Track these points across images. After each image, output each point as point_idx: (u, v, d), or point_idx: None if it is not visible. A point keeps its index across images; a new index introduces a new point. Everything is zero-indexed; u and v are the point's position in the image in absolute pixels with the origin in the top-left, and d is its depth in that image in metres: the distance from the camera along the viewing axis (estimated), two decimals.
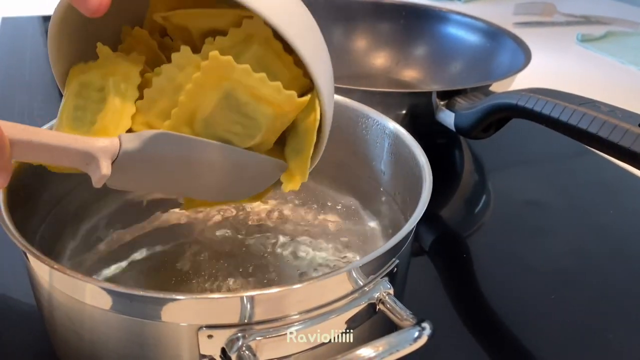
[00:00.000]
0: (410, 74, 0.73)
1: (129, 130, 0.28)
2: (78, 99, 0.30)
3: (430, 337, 0.25)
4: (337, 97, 0.44)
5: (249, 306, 0.25)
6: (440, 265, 0.46)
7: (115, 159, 0.26)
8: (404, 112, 0.52)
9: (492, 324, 0.40)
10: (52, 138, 0.25)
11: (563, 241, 0.49)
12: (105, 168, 0.26)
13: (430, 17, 0.74)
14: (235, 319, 0.25)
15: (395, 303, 0.27)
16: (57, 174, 0.30)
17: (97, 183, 0.26)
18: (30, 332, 0.36)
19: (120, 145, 0.26)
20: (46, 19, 0.99)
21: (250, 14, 0.28)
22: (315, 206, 0.42)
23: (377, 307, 0.28)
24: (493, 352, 0.38)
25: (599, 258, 0.47)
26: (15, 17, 0.98)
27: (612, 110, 0.37)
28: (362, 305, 0.28)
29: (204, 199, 0.32)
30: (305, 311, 0.26)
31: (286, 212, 0.41)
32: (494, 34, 0.68)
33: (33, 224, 0.35)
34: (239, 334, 0.25)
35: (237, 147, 0.29)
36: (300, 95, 0.29)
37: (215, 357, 0.26)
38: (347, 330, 0.28)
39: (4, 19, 0.96)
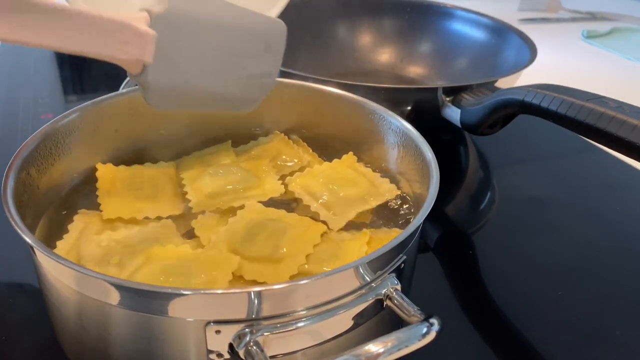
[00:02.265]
0: (415, 70, 0.73)
1: None
2: None
3: (439, 333, 0.25)
4: (343, 93, 0.44)
5: (256, 301, 0.25)
6: (446, 262, 0.45)
7: (150, 24, 0.25)
8: (409, 108, 0.52)
9: (497, 320, 0.40)
10: (83, 7, 0.22)
11: (569, 238, 0.48)
12: (149, 29, 0.24)
13: (435, 13, 0.74)
14: (242, 315, 0.25)
15: (403, 299, 0.27)
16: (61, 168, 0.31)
17: (148, 54, 0.24)
18: (37, 327, 0.36)
19: (149, 11, 0.25)
20: None
21: None
22: None
23: (385, 303, 0.28)
24: (499, 348, 0.38)
25: (605, 254, 0.47)
26: None
27: (620, 105, 0.37)
28: (370, 301, 0.27)
29: (228, 104, 0.31)
30: (313, 307, 0.26)
31: None
32: (499, 30, 0.68)
33: (36, 217, 0.35)
34: (247, 330, 0.25)
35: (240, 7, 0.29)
36: None
37: (222, 353, 0.26)
38: (354, 326, 0.28)
39: None
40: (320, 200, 0.38)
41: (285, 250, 0.32)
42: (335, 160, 0.42)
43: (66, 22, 0.22)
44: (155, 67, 0.25)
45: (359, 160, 0.43)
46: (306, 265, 0.32)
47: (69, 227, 0.34)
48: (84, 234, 0.34)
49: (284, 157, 0.43)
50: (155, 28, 0.25)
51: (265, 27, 0.31)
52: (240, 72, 0.30)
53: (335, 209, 0.37)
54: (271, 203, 0.38)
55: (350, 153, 0.42)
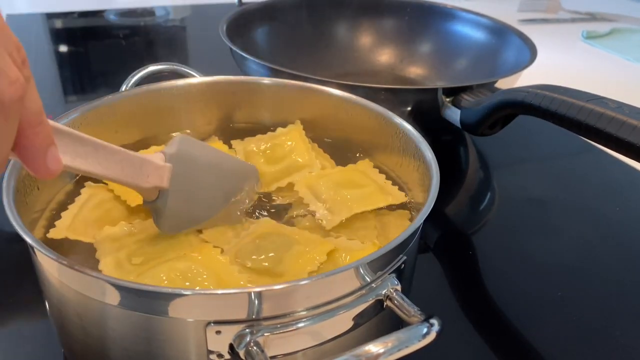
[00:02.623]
0: (415, 71, 0.73)
1: None
2: None
3: (439, 334, 0.25)
4: (343, 94, 0.44)
5: (256, 302, 0.25)
6: (446, 262, 0.45)
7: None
8: (409, 109, 0.52)
9: (497, 320, 0.40)
10: (117, 147, 0.29)
11: (569, 238, 0.49)
12: (166, 164, 0.31)
13: (435, 14, 0.74)
14: (243, 315, 0.25)
15: (403, 299, 0.27)
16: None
17: (165, 181, 0.31)
18: (38, 328, 0.36)
19: (164, 153, 0.32)
20: (50, 16, 0.99)
21: None
22: None
23: (385, 304, 0.28)
24: (499, 348, 0.38)
25: (605, 255, 0.47)
26: (20, 15, 0.98)
27: (620, 106, 0.37)
28: (370, 301, 0.27)
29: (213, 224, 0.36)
30: (313, 307, 0.26)
31: None
32: (499, 30, 0.68)
33: (36, 216, 0.35)
34: (247, 330, 0.25)
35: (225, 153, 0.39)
36: None
37: (223, 353, 0.26)
38: (355, 327, 0.28)
39: (8, 16, 0.96)
40: (320, 199, 0.38)
41: (286, 265, 0.32)
42: (350, 165, 0.41)
43: (110, 157, 0.29)
44: (170, 193, 0.32)
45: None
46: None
47: (76, 198, 0.37)
48: (86, 205, 0.36)
49: (294, 156, 0.43)
50: (173, 165, 0.32)
51: (243, 169, 0.39)
52: (226, 202, 0.37)
53: (333, 208, 0.37)
54: (274, 205, 0.38)
55: (367, 160, 0.42)
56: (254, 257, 0.33)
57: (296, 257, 0.33)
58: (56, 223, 0.34)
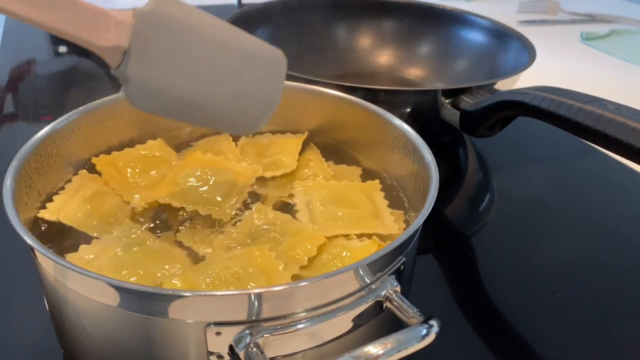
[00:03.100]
0: (414, 72, 0.73)
1: None
2: None
3: (438, 335, 0.25)
4: (342, 95, 0.44)
5: (256, 303, 0.25)
6: (445, 264, 0.45)
7: (134, 23, 0.25)
8: (408, 110, 0.52)
9: (496, 321, 0.40)
10: None
11: (568, 239, 0.49)
12: (129, 17, 0.25)
13: (434, 15, 0.74)
14: (243, 316, 0.25)
15: (402, 301, 0.27)
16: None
17: (124, 39, 0.25)
18: (37, 329, 0.36)
19: (134, 10, 0.26)
20: None
21: None
22: None
23: (384, 305, 0.28)
24: (498, 350, 0.38)
25: (604, 256, 0.47)
26: None
27: (619, 108, 0.37)
28: (369, 302, 0.28)
29: (212, 124, 0.31)
30: (313, 308, 0.26)
31: None
32: (498, 32, 0.68)
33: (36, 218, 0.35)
34: (247, 331, 0.25)
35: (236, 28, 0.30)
36: None
37: (223, 354, 0.26)
38: (354, 328, 0.28)
39: (7, 18, 0.96)
40: (310, 210, 0.37)
41: (280, 256, 0.33)
42: (358, 182, 0.41)
43: (56, 2, 0.24)
44: (133, 59, 0.26)
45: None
46: (312, 266, 0.32)
47: (66, 185, 0.37)
48: (78, 194, 0.36)
49: (306, 170, 0.42)
50: (138, 23, 0.26)
51: (265, 54, 0.31)
52: (234, 93, 0.30)
53: (320, 223, 0.36)
54: (276, 205, 0.38)
55: (377, 181, 0.40)
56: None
57: (286, 251, 0.33)
58: (47, 205, 0.35)
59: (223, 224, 0.36)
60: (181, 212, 0.36)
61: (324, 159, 0.43)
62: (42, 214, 0.34)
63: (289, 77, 0.48)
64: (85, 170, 0.39)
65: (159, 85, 0.27)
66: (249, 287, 0.30)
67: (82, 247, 0.32)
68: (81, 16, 0.24)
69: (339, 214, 0.37)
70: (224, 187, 0.38)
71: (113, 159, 0.40)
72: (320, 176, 0.41)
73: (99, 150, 0.41)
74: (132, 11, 0.26)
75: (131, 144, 0.42)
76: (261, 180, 0.41)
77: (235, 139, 0.45)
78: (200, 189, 0.37)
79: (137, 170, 0.39)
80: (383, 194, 0.39)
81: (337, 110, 0.44)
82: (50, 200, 0.36)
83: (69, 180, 0.37)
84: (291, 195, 0.39)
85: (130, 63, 0.26)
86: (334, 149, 0.45)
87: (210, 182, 0.38)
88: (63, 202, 0.35)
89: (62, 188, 0.37)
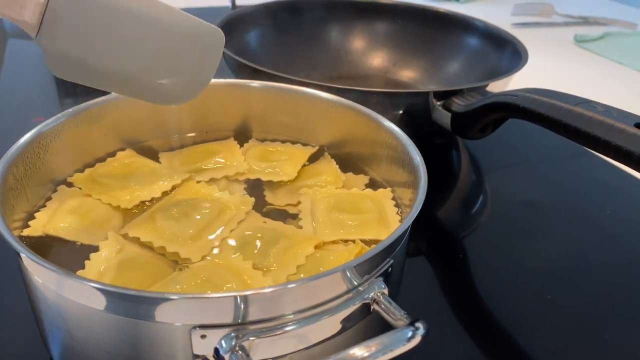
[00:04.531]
0: (408, 75, 0.73)
1: None
2: None
3: (424, 337, 0.25)
4: (335, 98, 0.44)
5: (242, 306, 0.25)
6: (437, 266, 0.45)
7: None
8: (400, 112, 0.52)
9: (488, 324, 0.40)
10: None
11: (559, 241, 0.49)
12: (38, 3, 0.26)
13: (427, 18, 0.74)
14: (228, 319, 0.25)
15: (390, 303, 0.27)
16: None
17: (36, 17, 0.26)
18: (23, 332, 0.36)
19: None
20: None
21: None
22: None
23: (372, 307, 0.28)
24: (489, 353, 0.38)
25: (595, 258, 0.47)
26: None
27: (608, 110, 0.37)
28: (357, 305, 0.27)
29: (135, 93, 0.31)
30: (300, 311, 0.26)
31: None
32: (491, 34, 0.68)
33: (23, 220, 0.35)
34: (232, 334, 0.25)
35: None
36: None
37: (208, 357, 0.26)
38: (342, 330, 0.28)
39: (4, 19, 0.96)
40: (313, 216, 0.37)
41: (274, 258, 0.32)
42: (369, 190, 0.40)
43: None
44: (45, 32, 0.27)
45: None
46: (301, 275, 0.32)
47: (47, 203, 0.37)
48: (60, 210, 0.35)
49: (323, 177, 0.42)
50: None
51: (199, 32, 0.31)
52: (158, 67, 0.30)
53: (321, 228, 0.36)
54: (269, 211, 0.38)
55: (388, 189, 0.40)
56: (242, 253, 0.33)
57: (283, 251, 0.33)
58: (30, 223, 0.34)
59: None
60: None
61: (337, 167, 0.43)
62: (27, 231, 0.34)
63: (281, 79, 0.48)
64: (64, 186, 0.38)
65: (72, 55, 0.28)
66: (224, 289, 0.29)
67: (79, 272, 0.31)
68: None
69: (341, 219, 0.36)
70: (200, 223, 0.35)
71: (89, 175, 0.39)
72: (331, 185, 0.41)
73: (89, 150, 0.41)
74: None
75: (112, 154, 0.42)
76: (269, 185, 0.41)
77: (241, 143, 0.45)
78: (175, 224, 0.35)
79: (117, 179, 0.39)
80: (394, 202, 0.39)
81: (328, 113, 0.44)
82: (32, 219, 0.35)
83: (49, 198, 0.37)
84: (299, 202, 0.39)
85: (43, 36, 0.27)
86: (340, 158, 0.44)
87: (188, 217, 0.35)
88: (48, 217, 0.35)
89: (44, 206, 0.36)
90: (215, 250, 0.34)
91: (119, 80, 0.30)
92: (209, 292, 0.29)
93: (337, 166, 0.43)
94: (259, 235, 0.35)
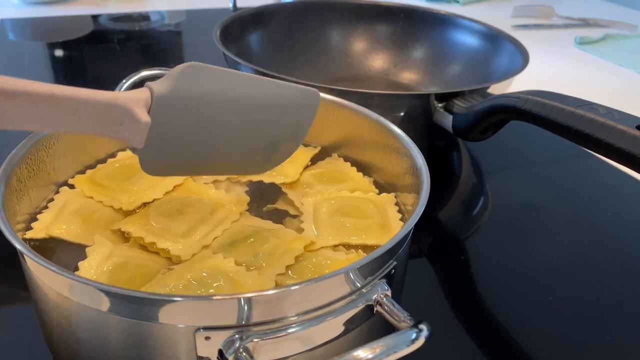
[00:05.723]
0: (408, 76, 0.73)
1: None
2: None
3: (428, 339, 0.25)
4: (337, 100, 0.44)
5: (246, 307, 0.25)
6: (439, 268, 0.46)
7: (150, 107, 0.23)
8: (402, 114, 0.52)
9: (489, 325, 0.40)
10: (69, 90, 0.21)
11: (561, 243, 0.49)
12: (144, 115, 0.23)
13: (428, 20, 0.74)
14: (232, 321, 0.25)
15: (393, 305, 0.27)
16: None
17: (139, 140, 0.24)
18: (27, 334, 0.36)
19: (152, 90, 0.24)
20: (45, 20, 0.99)
21: None
22: None
23: (375, 309, 0.28)
24: (491, 354, 0.38)
25: (596, 260, 0.47)
26: (15, 19, 0.98)
27: (610, 112, 0.37)
28: (360, 306, 0.28)
29: (234, 172, 0.31)
30: (303, 312, 0.26)
31: None
32: (492, 36, 0.68)
33: (26, 222, 0.35)
34: (236, 336, 0.25)
35: (266, 78, 0.28)
36: None
37: (212, 359, 0.26)
38: (345, 332, 0.28)
39: (3, 20, 0.96)
40: (315, 218, 0.37)
41: (264, 257, 0.33)
42: (372, 194, 0.40)
43: (61, 107, 0.21)
44: (148, 149, 0.25)
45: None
46: (290, 273, 0.32)
47: (49, 204, 0.36)
48: (67, 208, 0.35)
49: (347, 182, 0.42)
50: (155, 110, 0.24)
51: (294, 99, 0.29)
52: (253, 144, 0.29)
53: (323, 232, 0.36)
54: (270, 212, 0.38)
55: (392, 194, 0.40)
56: (232, 251, 0.33)
57: (272, 250, 0.33)
58: (33, 225, 0.34)
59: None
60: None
61: (349, 165, 0.43)
62: (30, 234, 0.34)
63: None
64: (66, 187, 0.38)
65: (173, 161, 0.27)
66: (211, 289, 0.29)
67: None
68: (91, 115, 0.22)
69: (344, 223, 0.36)
70: (192, 221, 0.35)
71: (90, 177, 0.40)
72: (338, 188, 0.41)
73: (91, 151, 0.41)
74: (149, 91, 0.24)
75: (113, 155, 0.42)
76: (274, 187, 0.41)
77: None
78: (167, 221, 0.34)
79: (118, 180, 0.39)
80: (397, 207, 0.39)
81: (329, 115, 0.44)
82: (34, 221, 0.35)
83: (51, 200, 0.37)
84: (301, 204, 0.39)
85: (145, 153, 0.25)
86: (327, 150, 0.45)
87: (182, 214, 0.35)
88: (50, 219, 0.35)
89: (46, 207, 0.36)
90: (206, 249, 0.34)
91: (219, 168, 0.29)
92: (213, 294, 0.29)
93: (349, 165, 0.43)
94: (250, 234, 0.35)
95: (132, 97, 0.23)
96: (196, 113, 0.25)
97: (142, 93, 0.24)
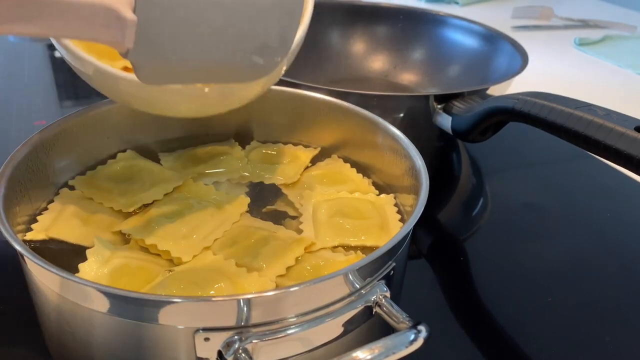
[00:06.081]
0: (408, 78, 0.73)
1: None
2: None
3: (427, 340, 0.25)
4: (336, 101, 0.44)
5: (245, 309, 0.25)
6: (438, 269, 0.46)
7: (135, 6, 0.24)
8: (401, 115, 0.52)
9: (489, 326, 0.40)
10: None
11: (560, 244, 0.49)
12: (129, 13, 0.24)
13: (428, 21, 0.74)
14: (232, 322, 0.25)
15: (392, 306, 0.27)
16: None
17: (128, 39, 0.24)
18: (26, 335, 0.36)
19: None
20: None
21: None
22: None
23: (374, 310, 0.28)
24: (490, 355, 0.38)
25: (595, 260, 0.47)
26: None
27: (608, 113, 0.37)
28: (359, 308, 0.28)
29: (228, 78, 0.30)
30: (302, 314, 0.26)
31: None
32: (491, 37, 0.69)
33: (26, 223, 0.35)
34: (236, 337, 0.25)
35: None
36: None
37: None
38: (344, 333, 0.28)
39: None
40: (315, 219, 0.37)
41: (264, 259, 0.33)
42: (371, 195, 0.40)
43: (47, 11, 0.22)
44: (139, 48, 0.25)
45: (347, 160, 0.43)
46: (290, 274, 0.32)
47: (49, 206, 0.37)
48: (62, 214, 0.35)
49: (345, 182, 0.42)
50: (140, 8, 0.24)
51: (275, 1, 0.29)
52: (244, 47, 0.29)
53: (322, 233, 0.36)
54: (269, 212, 0.38)
55: (391, 195, 0.40)
56: (233, 251, 0.33)
57: (273, 251, 0.33)
58: (33, 226, 0.34)
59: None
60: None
61: (349, 166, 0.43)
62: (30, 235, 0.34)
63: (282, 83, 0.49)
64: (66, 188, 0.38)
65: (167, 62, 0.27)
66: (212, 290, 0.30)
67: None
68: (78, 18, 0.23)
69: (343, 224, 0.36)
70: (193, 223, 0.35)
71: (90, 178, 0.40)
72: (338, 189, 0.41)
73: (92, 153, 0.41)
74: None
75: (114, 156, 0.42)
76: (274, 188, 0.41)
77: (242, 144, 0.45)
78: (168, 222, 0.35)
79: (118, 181, 0.39)
80: (396, 208, 0.39)
81: (329, 116, 0.45)
82: (34, 222, 0.35)
83: (51, 201, 0.37)
84: (300, 205, 0.39)
85: (136, 53, 0.26)
86: (326, 152, 0.45)
87: (182, 216, 0.35)
88: (50, 220, 0.35)
89: (46, 208, 0.36)
90: (206, 250, 0.34)
91: (209, 71, 0.29)
92: (212, 295, 0.29)
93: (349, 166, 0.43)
94: (251, 236, 0.35)
95: None
96: (180, 11, 0.26)
97: None
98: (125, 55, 0.26)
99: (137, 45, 0.25)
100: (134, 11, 0.24)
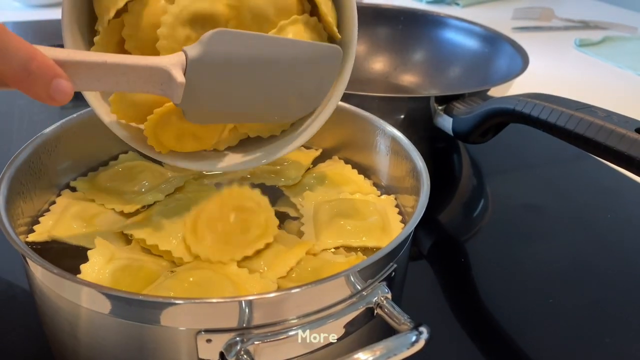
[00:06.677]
0: (408, 79, 0.73)
1: None
2: None
3: (428, 342, 0.25)
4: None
5: (247, 310, 0.25)
6: (439, 270, 0.46)
7: (186, 69, 0.28)
8: (402, 116, 0.52)
9: (489, 328, 0.40)
10: (118, 58, 0.26)
11: (561, 245, 0.49)
12: (180, 76, 0.27)
13: (428, 22, 0.75)
14: (233, 323, 0.25)
15: (393, 307, 0.27)
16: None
17: (176, 96, 0.28)
18: (29, 336, 0.36)
19: (186, 54, 0.28)
20: (47, 23, 0.99)
21: None
22: None
23: (375, 312, 0.28)
24: (491, 356, 0.38)
25: (596, 262, 0.47)
26: (13, 22, 0.98)
27: (609, 115, 0.37)
28: (360, 309, 0.28)
29: (270, 119, 0.34)
30: (304, 315, 0.26)
31: None
32: (492, 38, 0.69)
33: (28, 224, 0.35)
34: (238, 338, 0.25)
35: (291, 39, 0.32)
36: None
37: None
38: (345, 335, 0.28)
39: (5, 23, 0.96)
40: (316, 220, 0.37)
41: (265, 261, 0.33)
42: (372, 196, 0.40)
43: (112, 71, 0.26)
44: (187, 102, 0.29)
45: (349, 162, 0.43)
46: (291, 276, 0.32)
47: (51, 207, 0.37)
48: (64, 215, 0.36)
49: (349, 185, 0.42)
50: (190, 70, 0.28)
51: (316, 54, 0.32)
52: (289, 96, 0.32)
53: (323, 234, 0.36)
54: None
55: (392, 196, 0.40)
56: (229, 253, 0.33)
57: (274, 254, 0.33)
58: (35, 227, 0.34)
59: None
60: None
61: (350, 167, 0.43)
62: (32, 237, 0.34)
63: None
64: (68, 190, 0.39)
65: (213, 111, 0.31)
66: (213, 291, 0.30)
67: None
68: (138, 77, 0.27)
69: (344, 225, 0.36)
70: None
71: (92, 179, 0.40)
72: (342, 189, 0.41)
73: (93, 154, 0.41)
74: (183, 56, 0.28)
75: (115, 157, 0.42)
76: (275, 190, 0.41)
77: None
78: (170, 223, 0.35)
79: (120, 182, 0.39)
80: (398, 210, 0.39)
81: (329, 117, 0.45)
82: (36, 224, 0.35)
83: (53, 202, 0.37)
84: (302, 206, 0.39)
85: (185, 106, 0.29)
86: (327, 154, 0.45)
87: (183, 217, 0.35)
88: (53, 222, 0.35)
89: (48, 210, 0.37)
90: (207, 251, 0.34)
91: (248, 116, 0.32)
92: (214, 296, 0.29)
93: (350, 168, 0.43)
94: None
95: (171, 60, 0.28)
96: (226, 71, 0.29)
97: (179, 57, 0.28)
98: (175, 104, 0.29)
99: (185, 99, 0.28)
100: (185, 72, 0.28)
